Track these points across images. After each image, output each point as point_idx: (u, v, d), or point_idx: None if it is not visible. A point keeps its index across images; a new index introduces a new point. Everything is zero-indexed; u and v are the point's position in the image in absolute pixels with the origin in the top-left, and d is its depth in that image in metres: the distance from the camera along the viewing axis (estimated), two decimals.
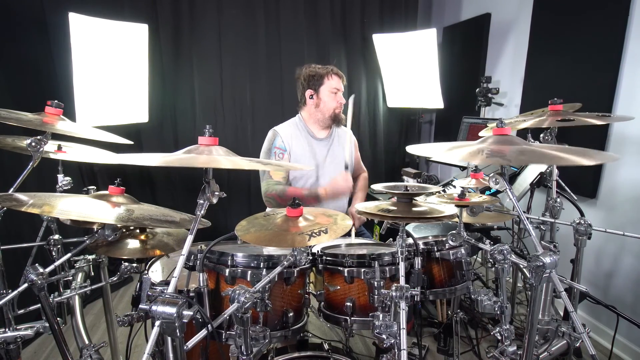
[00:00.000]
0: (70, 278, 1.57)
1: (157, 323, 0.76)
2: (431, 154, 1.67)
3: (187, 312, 0.76)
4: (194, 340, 0.83)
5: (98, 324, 2.46)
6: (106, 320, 1.87)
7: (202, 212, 0.89)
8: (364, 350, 2.22)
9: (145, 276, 0.81)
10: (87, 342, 1.37)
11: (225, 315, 0.85)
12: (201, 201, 0.91)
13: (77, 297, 1.56)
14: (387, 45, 3.45)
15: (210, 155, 0.92)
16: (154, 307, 0.76)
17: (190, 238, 0.85)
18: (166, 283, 0.88)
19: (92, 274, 1.69)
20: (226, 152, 0.94)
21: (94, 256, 1.68)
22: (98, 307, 2.63)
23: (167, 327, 0.76)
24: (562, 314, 1.76)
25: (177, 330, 0.76)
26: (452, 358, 1.62)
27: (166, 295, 0.78)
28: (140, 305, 0.79)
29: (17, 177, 2.15)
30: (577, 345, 1.23)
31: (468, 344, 2.09)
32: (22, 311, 1.37)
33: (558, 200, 1.55)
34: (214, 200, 0.92)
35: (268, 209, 2.09)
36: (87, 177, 2.79)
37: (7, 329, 1.28)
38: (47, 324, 1.31)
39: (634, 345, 2.09)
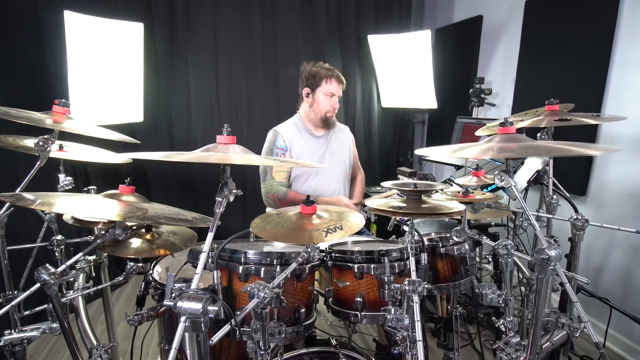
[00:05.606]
0: (72, 279, 1.56)
1: (182, 319, 0.77)
2: (442, 155, 1.71)
3: (212, 308, 0.78)
4: (218, 335, 0.84)
5: (95, 325, 2.42)
6: (106, 321, 1.86)
7: (222, 209, 0.90)
8: (363, 346, 2.26)
9: (168, 274, 0.82)
10: (94, 342, 1.36)
11: (247, 310, 0.86)
12: (219, 199, 0.92)
13: (80, 297, 1.55)
14: (382, 46, 3.49)
15: (228, 153, 0.93)
16: (179, 303, 0.77)
17: (210, 235, 0.87)
18: (184, 280, 0.88)
19: (94, 274, 1.68)
20: (243, 151, 0.96)
21: (94, 257, 1.67)
22: (94, 309, 2.60)
23: (192, 322, 0.77)
24: (556, 306, 1.82)
25: (202, 326, 0.77)
26: (451, 352, 1.66)
27: (190, 292, 0.79)
28: (164, 302, 0.80)
29: (11, 176, 2.11)
30: (577, 335, 1.28)
31: (465, 339, 2.15)
32: (27, 312, 1.35)
33: (554, 197, 1.61)
34: (231, 198, 0.94)
35: (268, 209, 2.11)
36: (80, 178, 2.75)
37: (12, 331, 1.27)
38: (53, 325, 1.31)
39: (623, 337, 2.18)
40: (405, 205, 1.13)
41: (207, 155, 0.89)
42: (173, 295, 0.81)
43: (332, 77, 2.02)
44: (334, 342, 1.39)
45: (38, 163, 1.20)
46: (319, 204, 1.88)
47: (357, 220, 1.08)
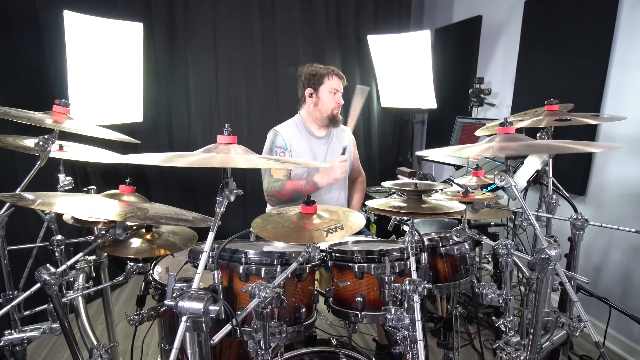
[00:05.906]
0: (72, 279, 1.56)
1: (184, 319, 0.77)
2: (444, 156, 1.71)
3: (213, 307, 0.78)
4: (220, 335, 0.84)
5: (95, 325, 2.42)
6: (106, 321, 1.86)
7: (222, 209, 0.90)
8: (363, 346, 2.26)
9: (170, 273, 0.82)
10: (94, 342, 1.36)
11: (248, 310, 0.87)
12: (220, 199, 0.92)
13: (80, 298, 1.55)
14: (382, 46, 3.50)
15: (229, 154, 0.93)
16: (180, 303, 0.77)
17: (211, 235, 0.87)
18: (184, 280, 0.88)
19: (94, 274, 1.68)
20: (244, 151, 0.96)
21: (94, 257, 1.67)
22: (94, 309, 2.59)
23: (193, 322, 0.77)
24: (556, 306, 1.82)
25: (204, 325, 0.77)
26: (451, 352, 1.66)
27: (191, 291, 0.79)
28: (165, 301, 0.80)
29: (11, 176, 2.10)
30: (577, 335, 1.29)
31: (465, 339, 2.15)
32: (27, 312, 1.35)
33: (554, 197, 1.61)
34: (232, 198, 0.94)
35: (269, 207, 2.11)
36: (80, 178, 2.75)
37: (12, 331, 1.26)
38: (53, 325, 1.30)
39: (622, 336, 2.18)
40: (405, 205, 1.13)
41: (209, 158, 0.89)
42: (174, 295, 0.82)
43: (332, 74, 2.05)
44: (334, 341, 1.40)
45: (38, 163, 1.20)
46: (316, 180, 1.88)
47: (358, 220, 1.08)
